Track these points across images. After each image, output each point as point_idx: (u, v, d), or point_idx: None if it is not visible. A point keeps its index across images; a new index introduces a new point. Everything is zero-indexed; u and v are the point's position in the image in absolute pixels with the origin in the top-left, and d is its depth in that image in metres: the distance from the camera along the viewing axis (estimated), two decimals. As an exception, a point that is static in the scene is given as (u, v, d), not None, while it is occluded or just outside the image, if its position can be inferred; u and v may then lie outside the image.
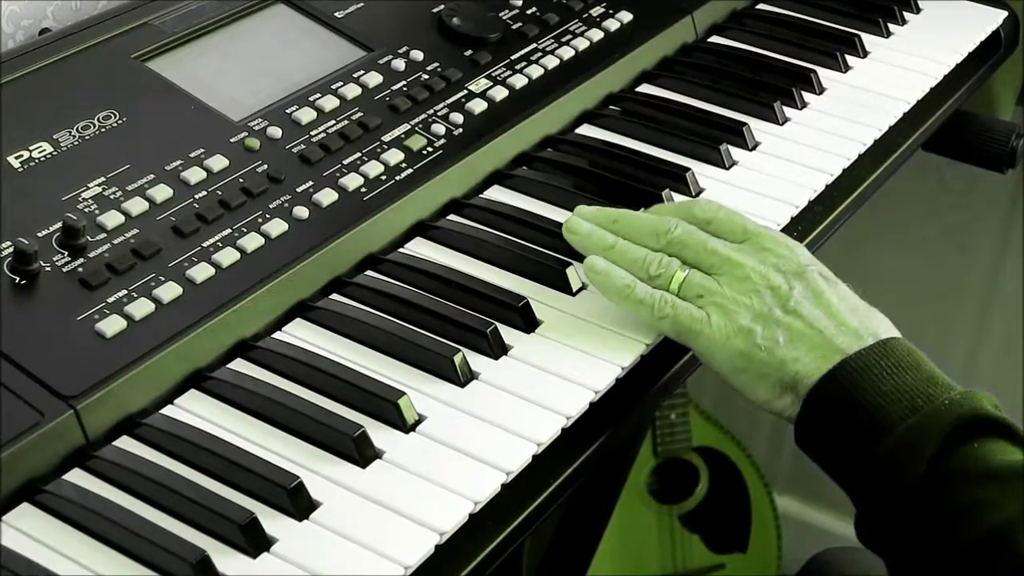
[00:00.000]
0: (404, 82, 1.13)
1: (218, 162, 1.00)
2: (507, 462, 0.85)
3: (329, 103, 1.08)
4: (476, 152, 1.11)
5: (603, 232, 0.99)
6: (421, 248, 1.04)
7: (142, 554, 0.77)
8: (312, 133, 1.06)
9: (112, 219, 0.94)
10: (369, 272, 1.01)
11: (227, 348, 0.92)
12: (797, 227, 1.12)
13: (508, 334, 0.95)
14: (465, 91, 1.15)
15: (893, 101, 1.28)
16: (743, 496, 2.14)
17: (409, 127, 1.09)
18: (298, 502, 0.80)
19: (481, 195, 1.10)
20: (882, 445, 0.87)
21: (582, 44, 1.24)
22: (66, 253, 0.91)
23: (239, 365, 0.91)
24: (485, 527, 0.83)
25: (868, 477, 0.88)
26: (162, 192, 0.97)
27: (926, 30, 1.41)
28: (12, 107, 0.99)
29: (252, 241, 0.96)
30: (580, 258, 1.00)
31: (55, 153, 0.97)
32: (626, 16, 1.28)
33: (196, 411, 0.88)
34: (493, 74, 1.17)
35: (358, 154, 1.06)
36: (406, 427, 0.87)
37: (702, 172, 1.15)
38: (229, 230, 0.96)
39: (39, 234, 0.91)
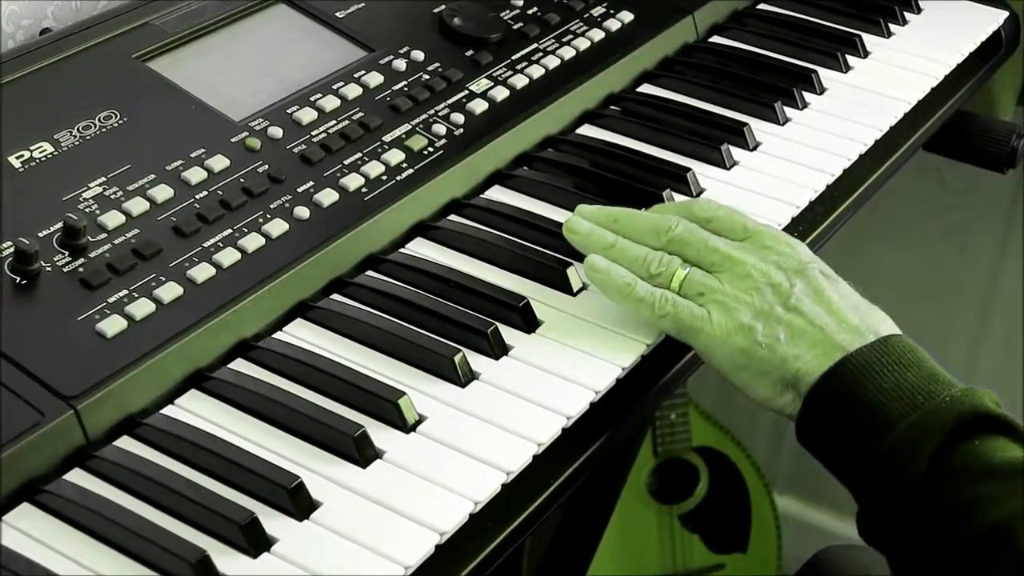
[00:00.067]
0: (405, 82, 1.13)
1: (219, 162, 1.00)
2: (507, 462, 0.85)
3: (330, 103, 1.08)
4: (477, 152, 1.11)
5: (603, 231, 0.99)
6: (422, 248, 1.04)
7: (142, 554, 0.77)
8: (313, 133, 1.06)
9: (113, 219, 0.94)
10: (370, 272, 1.01)
11: (228, 348, 0.92)
12: (798, 227, 1.12)
13: (508, 334, 0.95)
14: (466, 91, 1.15)
15: (894, 101, 1.28)
16: (743, 496, 2.14)
17: (410, 127, 1.09)
18: (298, 502, 0.81)
19: (482, 195, 1.10)
20: (883, 442, 0.88)
21: (583, 44, 1.24)
22: (67, 253, 0.91)
23: (240, 365, 0.91)
24: (485, 527, 0.83)
25: (869, 474, 0.88)
26: (163, 192, 0.97)
27: (927, 30, 1.41)
28: (12, 107, 0.99)
29: (253, 241, 0.96)
30: (581, 258, 1.00)
31: (56, 153, 0.97)
32: (627, 16, 1.28)
33: (196, 411, 0.88)
34: (494, 74, 1.17)
35: (359, 154, 1.06)
36: (406, 427, 0.87)
37: (703, 172, 1.15)
38: (230, 230, 0.96)
39: (40, 234, 0.91)
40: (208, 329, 0.90)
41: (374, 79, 1.12)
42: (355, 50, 1.15)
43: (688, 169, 1.14)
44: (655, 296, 0.95)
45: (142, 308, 0.89)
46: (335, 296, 0.98)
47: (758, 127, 1.22)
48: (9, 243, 0.90)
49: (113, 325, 0.87)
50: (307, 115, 1.07)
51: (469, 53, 1.18)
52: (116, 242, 0.93)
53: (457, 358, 0.91)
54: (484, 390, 0.91)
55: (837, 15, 1.41)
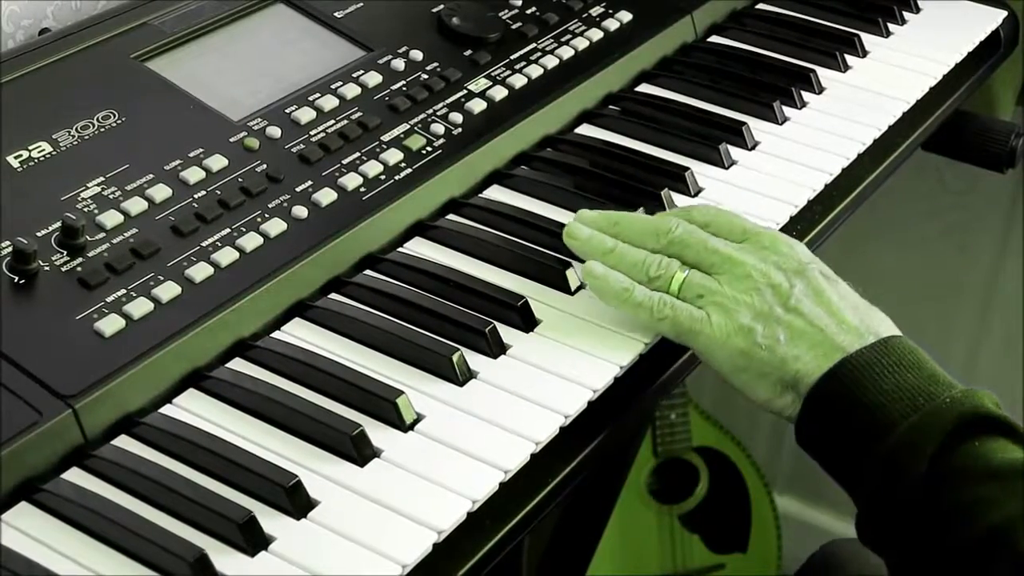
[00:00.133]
0: (403, 82, 1.13)
1: (217, 162, 1.00)
2: (505, 461, 0.85)
3: (328, 103, 1.08)
4: (475, 152, 1.11)
5: (602, 236, 0.99)
6: (420, 248, 1.04)
7: (140, 553, 0.77)
8: (311, 133, 1.06)
9: (111, 219, 0.94)
10: (368, 272, 1.01)
11: (226, 347, 0.92)
12: (796, 226, 1.12)
13: (507, 333, 0.95)
14: (464, 91, 1.15)
15: (893, 101, 1.28)
16: (743, 496, 2.14)
17: (408, 127, 1.10)
18: (296, 501, 0.81)
19: (480, 195, 1.10)
20: (883, 444, 0.87)
21: (582, 44, 1.24)
22: (65, 253, 0.91)
23: (238, 364, 0.91)
24: (483, 526, 0.83)
25: (869, 476, 0.88)
26: (161, 192, 0.97)
27: (926, 30, 1.41)
28: (12, 107, 0.99)
29: (251, 241, 0.96)
30: (579, 258, 1.00)
31: (54, 153, 0.97)
32: (626, 16, 1.28)
33: (195, 410, 0.88)
34: (492, 74, 1.17)
35: (357, 154, 1.06)
36: (404, 426, 0.87)
37: (701, 172, 1.15)
38: (228, 230, 0.96)
39: (38, 234, 0.91)
40: (206, 328, 0.90)
41: (373, 79, 1.12)
42: (354, 50, 1.15)
43: (687, 168, 1.14)
44: (653, 300, 0.95)
45: (140, 307, 0.89)
46: (333, 295, 0.98)
47: (757, 126, 1.22)
48: (7, 243, 0.90)
49: (111, 324, 0.87)
50: (306, 115, 1.07)
51: (468, 53, 1.18)
52: (114, 242, 0.93)
53: (455, 357, 0.91)
54: (482, 389, 0.91)
55: (836, 15, 1.41)
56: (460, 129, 1.11)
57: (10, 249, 0.89)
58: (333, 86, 1.10)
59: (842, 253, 1.93)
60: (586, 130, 1.21)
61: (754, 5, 1.43)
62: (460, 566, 0.81)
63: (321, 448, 0.85)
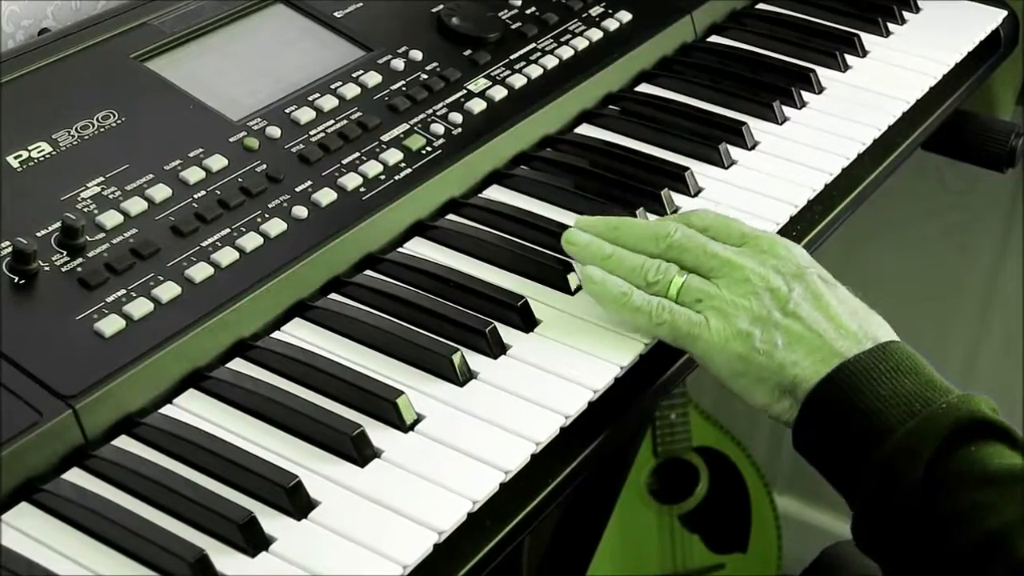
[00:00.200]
0: (403, 82, 1.13)
1: (217, 162, 1.00)
2: (506, 461, 0.85)
3: (328, 103, 1.08)
4: (475, 152, 1.11)
5: (600, 242, 0.99)
6: (420, 248, 1.04)
7: (141, 553, 0.77)
8: (311, 133, 1.06)
9: (111, 219, 0.94)
10: (368, 272, 1.01)
11: (226, 348, 0.92)
12: (796, 226, 1.12)
13: (507, 333, 0.95)
14: (464, 91, 1.15)
15: (892, 100, 1.28)
16: (743, 496, 2.14)
17: (408, 127, 1.10)
18: (297, 501, 0.81)
19: (480, 195, 1.10)
20: (880, 449, 0.87)
21: (581, 44, 1.24)
22: (65, 253, 0.91)
23: (238, 364, 0.91)
24: (484, 526, 0.83)
25: (866, 481, 0.88)
26: (161, 192, 0.97)
27: (926, 29, 1.41)
28: (12, 107, 0.99)
29: (251, 241, 0.96)
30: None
31: (54, 153, 0.97)
32: (625, 16, 1.28)
33: (195, 410, 0.88)
34: (492, 74, 1.17)
35: (357, 154, 1.06)
36: (405, 426, 0.87)
37: (701, 171, 1.15)
38: (228, 230, 0.96)
39: (38, 234, 0.91)
40: (206, 328, 0.90)
41: (372, 79, 1.12)
42: (353, 50, 1.15)
43: (687, 168, 1.14)
44: (652, 304, 0.95)
45: (140, 308, 0.89)
46: (333, 295, 0.98)
47: (756, 126, 1.22)
48: (7, 243, 0.90)
49: (111, 325, 0.87)
50: (305, 115, 1.07)
51: (467, 53, 1.18)
52: (114, 242, 0.93)
53: (455, 357, 0.91)
54: (482, 389, 0.91)
55: (836, 14, 1.41)
56: (460, 129, 1.11)
57: (10, 249, 0.89)
58: (333, 86, 1.10)
59: (842, 253, 1.93)
60: (586, 130, 1.21)
61: (754, 5, 1.43)
62: (460, 566, 0.81)
63: (321, 448, 0.85)
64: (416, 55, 1.16)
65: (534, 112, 1.16)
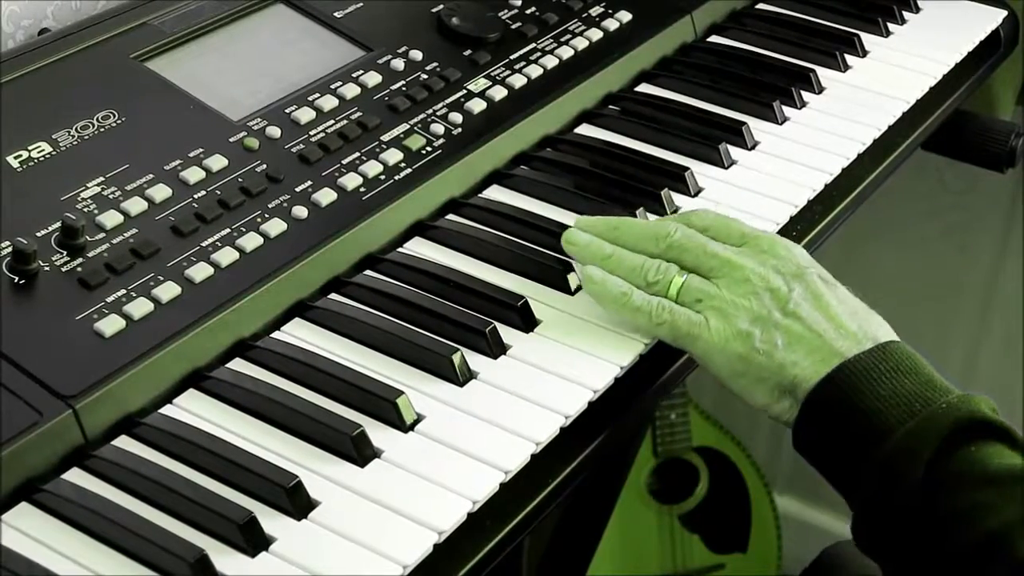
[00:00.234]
0: (403, 82, 1.13)
1: (217, 162, 1.00)
2: (506, 461, 0.85)
3: (328, 103, 1.08)
4: (475, 152, 1.11)
5: (600, 242, 0.99)
6: (420, 248, 1.04)
7: (141, 553, 0.77)
8: (311, 133, 1.06)
9: (111, 219, 0.94)
10: (368, 272, 1.01)
11: (226, 348, 0.92)
12: (796, 226, 1.12)
13: (507, 333, 0.95)
14: (464, 91, 1.15)
15: (892, 100, 1.28)
16: (743, 496, 2.14)
17: (408, 127, 1.10)
18: (297, 501, 0.81)
19: (480, 195, 1.10)
20: (880, 449, 0.87)
21: (581, 44, 1.24)
22: (65, 253, 0.91)
23: (238, 365, 0.91)
24: (484, 526, 0.83)
25: (866, 481, 0.88)
26: (161, 192, 0.97)
27: (926, 30, 1.41)
28: (12, 107, 0.99)
29: (251, 241, 0.96)
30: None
31: (54, 153, 0.97)
32: (625, 16, 1.28)
33: (195, 410, 0.88)
34: (492, 74, 1.17)
35: (357, 154, 1.06)
36: (405, 426, 0.87)
37: (701, 171, 1.15)
38: (228, 230, 0.96)
39: (38, 234, 0.91)
40: (206, 329, 0.90)
41: (372, 79, 1.12)
42: (353, 50, 1.15)
43: (687, 168, 1.14)
44: (652, 304, 0.95)
45: (140, 308, 0.89)
46: (333, 296, 0.98)
47: (757, 126, 1.22)
48: (7, 243, 0.90)
49: (111, 325, 0.87)
50: (305, 115, 1.07)
51: (467, 53, 1.18)
52: (114, 242, 0.93)
53: (455, 357, 0.91)
54: (482, 389, 0.91)
55: (836, 14, 1.41)
56: (460, 129, 1.11)
57: (10, 249, 0.89)
58: (333, 86, 1.10)
59: (842, 253, 1.94)
60: (586, 130, 1.21)
61: (754, 5, 1.43)
62: (461, 567, 0.81)
63: (321, 448, 0.85)
64: (416, 55, 1.16)
65: (534, 112, 1.16)
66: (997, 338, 2.01)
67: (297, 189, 1.01)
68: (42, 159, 0.96)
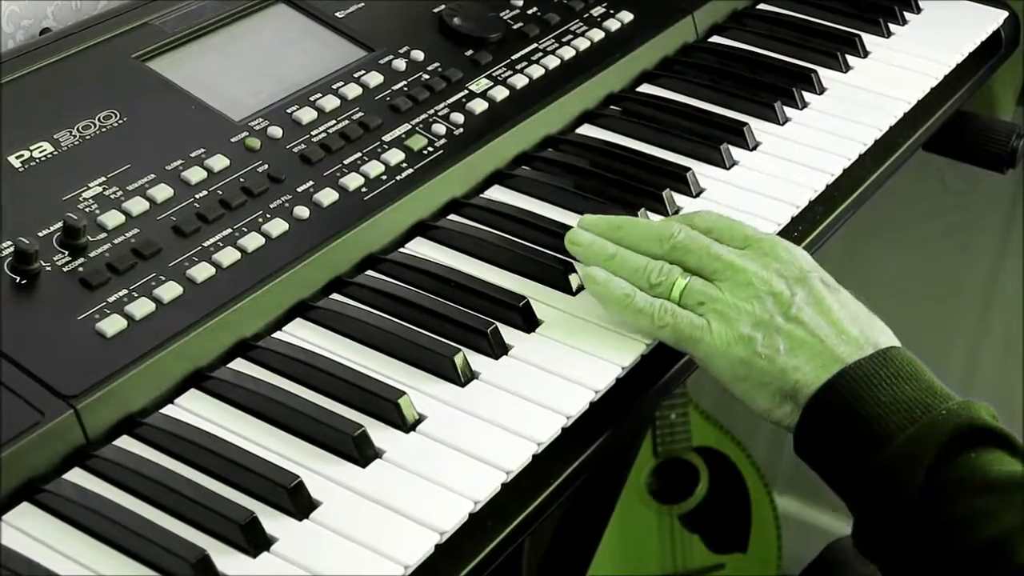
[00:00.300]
0: (405, 82, 1.13)
1: (219, 162, 1.00)
2: (507, 462, 0.85)
3: (330, 103, 1.08)
4: (477, 152, 1.11)
5: (604, 242, 0.99)
6: (421, 248, 1.04)
7: (142, 553, 0.77)
8: (313, 133, 1.06)
9: (112, 219, 0.94)
10: (369, 272, 1.01)
11: (227, 348, 0.92)
12: (798, 227, 1.12)
13: (508, 334, 0.95)
14: (466, 91, 1.15)
15: (893, 101, 1.28)
16: (743, 496, 2.14)
17: (410, 127, 1.10)
18: (298, 501, 0.81)
19: (482, 195, 1.10)
20: (880, 455, 0.87)
21: (583, 44, 1.24)
22: (66, 253, 0.91)
23: (239, 365, 0.91)
24: (485, 527, 0.83)
25: (866, 487, 0.88)
26: (163, 192, 0.97)
27: (926, 30, 1.41)
28: (12, 107, 0.99)
29: (252, 241, 0.96)
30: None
31: (55, 153, 0.97)
32: (627, 16, 1.28)
33: (196, 411, 0.88)
34: (494, 74, 1.17)
35: (359, 154, 1.06)
36: (406, 427, 0.87)
37: (702, 172, 1.15)
38: (230, 230, 0.96)
39: (40, 234, 0.91)
40: (208, 329, 0.90)
41: (374, 79, 1.12)
42: (355, 50, 1.15)
43: (688, 169, 1.14)
44: (654, 307, 0.95)
45: (142, 308, 0.89)
46: (335, 296, 0.98)
47: (758, 127, 1.22)
48: (9, 243, 0.90)
49: (113, 325, 0.87)
50: (307, 115, 1.07)
51: (469, 53, 1.18)
52: (116, 242, 0.93)
53: (457, 358, 0.91)
54: (484, 390, 0.91)
55: (837, 15, 1.41)
56: (461, 129, 1.11)
57: (12, 249, 0.89)
58: (334, 86, 1.10)
59: (843, 254, 1.94)
60: (587, 130, 1.21)
61: (755, 5, 1.43)
62: (462, 567, 0.81)
63: (323, 449, 0.85)
64: (418, 55, 1.16)
65: (535, 112, 1.16)
66: (997, 338, 2.01)
67: (299, 189, 1.01)
68: (43, 159, 0.96)
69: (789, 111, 1.25)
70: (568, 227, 1.03)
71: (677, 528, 2.10)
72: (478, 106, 1.13)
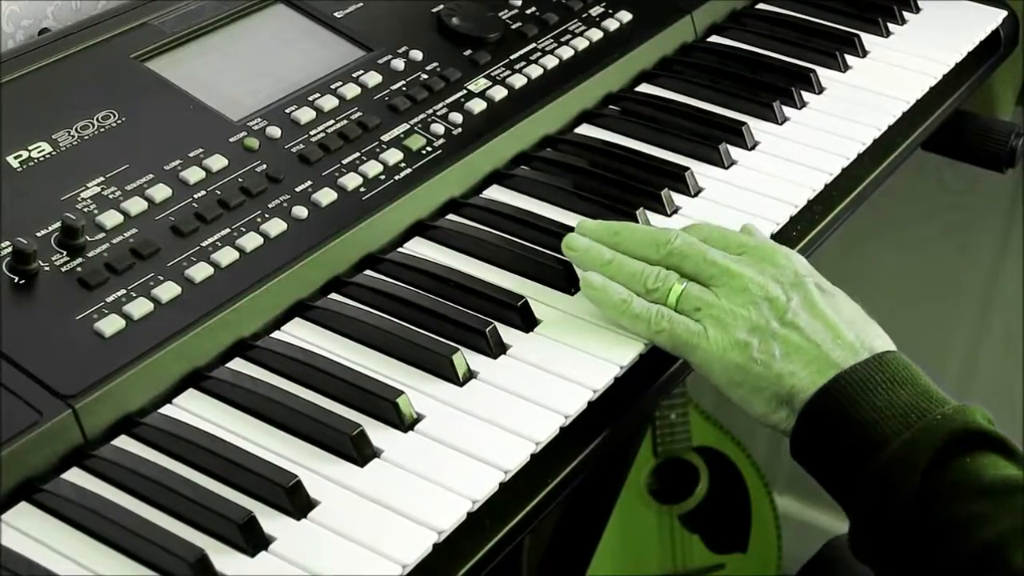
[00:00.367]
0: (403, 82, 1.13)
1: (217, 162, 1.00)
2: (505, 461, 0.85)
3: (328, 103, 1.08)
4: (475, 152, 1.11)
5: (601, 247, 0.99)
6: (420, 248, 1.04)
7: (141, 553, 0.77)
8: (311, 133, 1.06)
9: (111, 219, 0.94)
10: (368, 272, 1.01)
11: (226, 347, 0.92)
12: (796, 226, 1.12)
13: (507, 333, 0.95)
14: (464, 91, 1.15)
15: (892, 101, 1.28)
16: (743, 496, 2.14)
17: (408, 127, 1.10)
18: (296, 501, 0.81)
19: (480, 195, 1.10)
20: (876, 460, 0.88)
21: (581, 44, 1.24)
22: (65, 253, 0.91)
23: (238, 364, 0.91)
24: (483, 526, 0.83)
25: (862, 492, 0.88)
26: (161, 192, 0.97)
27: (926, 30, 1.41)
28: (12, 107, 0.99)
29: (251, 241, 0.96)
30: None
31: (54, 153, 0.97)
32: (625, 16, 1.28)
33: (195, 410, 0.88)
34: (492, 74, 1.17)
35: (357, 154, 1.06)
36: (404, 426, 0.87)
37: (701, 172, 1.15)
38: (228, 230, 0.96)
39: (38, 234, 0.91)
40: (206, 328, 0.90)
41: (372, 79, 1.12)
42: (353, 50, 1.15)
43: (687, 168, 1.14)
44: (651, 312, 0.95)
45: (140, 307, 0.89)
46: (333, 295, 0.98)
47: (757, 126, 1.22)
48: (7, 243, 0.90)
49: (111, 324, 0.87)
50: (305, 115, 1.07)
51: (467, 53, 1.18)
52: (114, 242, 0.93)
53: (455, 357, 0.91)
54: (482, 389, 0.91)
55: (836, 15, 1.42)
56: (460, 129, 1.11)
57: (10, 249, 0.89)
58: (333, 86, 1.10)
59: (842, 253, 1.93)
60: (586, 130, 1.21)
61: (754, 5, 1.43)
62: (460, 566, 0.81)
63: (321, 448, 0.85)
64: (416, 55, 1.16)
65: (534, 112, 1.16)
66: (997, 338, 2.01)
67: (297, 189, 1.01)
68: (42, 159, 0.97)
69: (788, 111, 1.25)
70: (567, 227, 1.03)
71: (677, 528, 2.10)
72: (477, 106, 1.13)
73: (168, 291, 0.91)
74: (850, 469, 0.89)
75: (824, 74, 1.31)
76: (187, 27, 1.10)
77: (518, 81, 1.17)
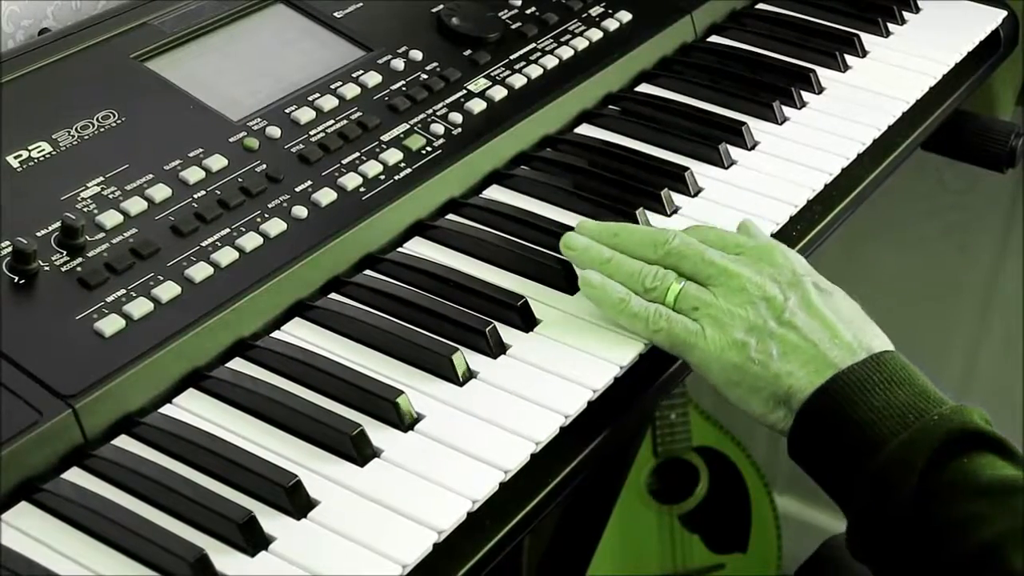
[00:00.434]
0: (403, 82, 1.13)
1: (217, 162, 1.00)
2: (505, 461, 0.85)
3: (328, 103, 1.08)
4: (475, 152, 1.11)
5: (599, 247, 0.99)
6: (420, 247, 1.04)
7: (141, 553, 0.77)
8: (311, 133, 1.06)
9: (111, 219, 0.94)
10: (368, 271, 1.01)
11: (226, 347, 0.92)
12: (796, 226, 1.12)
13: (507, 333, 0.95)
14: (464, 91, 1.15)
15: (892, 101, 1.28)
16: (743, 496, 2.14)
17: (408, 127, 1.10)
18: (296, 501, 0.81)
19: (480, 195, 1.10)
20: (874, 460, 0.88)
21: (581, 44, 1.24)
22: (65, 253, 0.91)
23: (238, 364, 0.91)
24: (483, 526, 0.83)
25: (860, 492, 0.88)
26: (161, 192, 0.97)
27: (925, 30, 1.41)
28: (12, 107, 0.99)
29: (251, 240, 0.96)
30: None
31: (54, 153, 0.97)
32: (625, 16, 1.29)
33: (195, 410, 0.88)
34: (492, 74, 1.17)
35: (357, 154, 1.06)
36: (404, 426, 0.87)
37: (701, 172, 1.15)
38: (228, 229, 0.96)
39: (38, 234, 0.91)
40: (206, 328, 0.90)
41: (372, 79, 1.12)
42: (353, 50, 1.15)
43: (686, 168, 1.14)
44: (649, 311, 0.95)
45: (140, 307, 0.89)
46: (333, 295, 0.98)
47: (756, 126, 1.22)
48: (7, 243, 0.90)
49: (111, 324, 0.87)
50: (305, 115, 1.07)
51: (467, 53, 1.18)
52: (114, 241, 0.93)
53: (455, 357, 0.91)
54: (482, 389, 0.91)
55: (836, 15, 1.42)
56: (460, 129, 1.11)
57: (10, 249, 0.89)
58: (333, 86, 1.10)
59: (842, 253, 1.94)
60: (586, 130, 1.21)
61: (754, 5, 1.43)
62: (460, 566, 0.81)
63: (321, 448, 0.85)
64: (416, 55, 1.16)
65: (534, 112, 1.16)
66: (997, 338, 2.01)
67: (297, 189, 1.01)
68: (42, 159, 0.97)
69: (788, 111, 1.25)
70: (567, 227, 1.03)
71: (677, 528, 2.10)
72: (476, 106, 1.14)
73: (168, 291, 0.91)
74: (848, 469, 0.89)
75: (824, 74, 1.31)
76: (187, 27, 1.10)
77: (518, 81, 1.17)
